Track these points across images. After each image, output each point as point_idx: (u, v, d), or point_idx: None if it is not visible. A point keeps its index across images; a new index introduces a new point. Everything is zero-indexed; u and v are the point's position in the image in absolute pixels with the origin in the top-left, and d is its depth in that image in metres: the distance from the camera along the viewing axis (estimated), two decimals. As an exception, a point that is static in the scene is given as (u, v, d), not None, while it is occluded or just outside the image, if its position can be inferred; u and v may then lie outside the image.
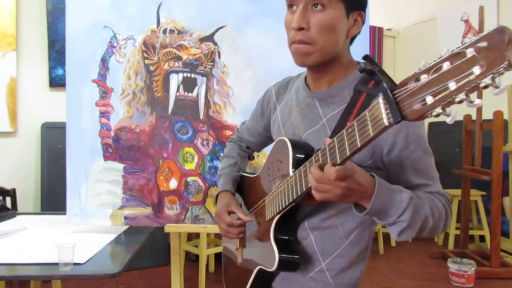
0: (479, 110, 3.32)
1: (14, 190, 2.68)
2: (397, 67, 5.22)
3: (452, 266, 3.11)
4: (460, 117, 3.45)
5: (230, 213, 1.14)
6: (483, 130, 3.31)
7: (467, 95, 0.53)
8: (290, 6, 0.96)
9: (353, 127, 0.71)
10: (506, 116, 3.38)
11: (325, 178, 0.77)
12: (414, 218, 0.83)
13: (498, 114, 3.15)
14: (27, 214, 2.14)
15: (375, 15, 4.68)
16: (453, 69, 0.54)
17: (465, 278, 3.05)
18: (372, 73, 0.67)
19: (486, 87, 0.52)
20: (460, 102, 0.54)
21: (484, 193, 3.77)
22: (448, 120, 0.56)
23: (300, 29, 0.91)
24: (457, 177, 3.70)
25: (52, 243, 1.46)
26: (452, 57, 0.55)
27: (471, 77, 0.52)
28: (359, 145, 0.69)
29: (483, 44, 0.52)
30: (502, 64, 0.50)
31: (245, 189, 1.25)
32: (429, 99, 0.57)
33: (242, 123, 1.36)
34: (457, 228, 3.89)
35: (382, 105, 0.64)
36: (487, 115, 3.28)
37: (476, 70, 0.51)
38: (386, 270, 3.44)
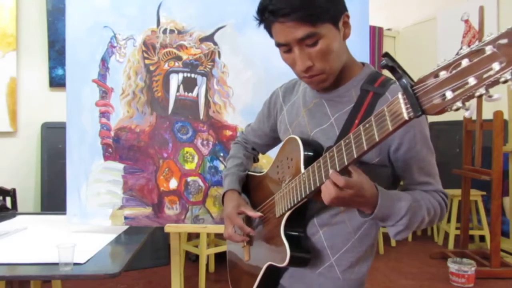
0: (479, 110, 3.32)
1: (14, 190, 2.68)
2: (397, 67, 5.22)
3: (452, 266, 3.11)
4: (460, 117, 3.45)
5: (239, 214, 1.15)
6: (483, 130, 3.31)
7: (487, 90, 0.56)
8: (280, 46, 0.95)
9: (370, 122, 0.73)
10: (506, 116, 3.38)
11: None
12: (411, 222, 0.90)
13: (498, 114, 3.15)
14: (27, 214, 2.14)
15: (375, 15, 4.68)
16: (472, 65, 0.57)
17: (465, 278, 3.05)
18: (393, 69, 0.69)
19: (506, 81, 0.54)
20: (480, 96, 0.56)
21: (484, 193, 3.77)
22: (467, 114, 0.59)
23: (307, 68, 0.93)
24: (457, 177, 3.70)
25: (52, 243, 1.46)
26: (471, 54, 0.57)
27: (491, 72, 0.54)
28: (377, 139, 0.72)
29: (504, 41, 0.54)
30: None
31: (252, 187, 1.26)
32: (449, 94, 0.59)
33: (248, 125, 1.37)
34: (457, 228, 3.89)
35: (401, 100, 0.66)
36: (487, 115, 3.28)
37: (496, 66, 0.54)
38: (386, 270, 3.44)
